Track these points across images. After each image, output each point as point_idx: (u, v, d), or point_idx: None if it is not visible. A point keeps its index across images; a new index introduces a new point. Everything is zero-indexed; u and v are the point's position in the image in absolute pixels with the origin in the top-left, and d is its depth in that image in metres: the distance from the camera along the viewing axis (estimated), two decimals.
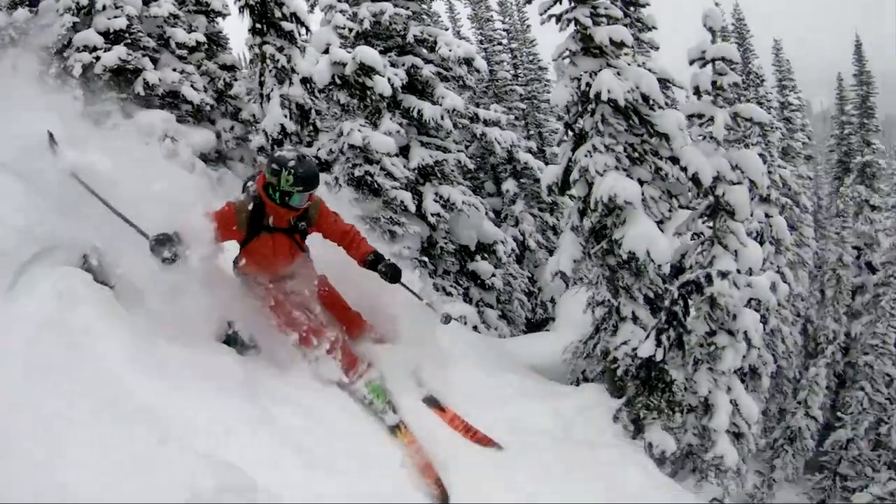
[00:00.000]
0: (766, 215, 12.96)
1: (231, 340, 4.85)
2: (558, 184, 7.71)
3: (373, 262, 5.08)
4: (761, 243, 12.85)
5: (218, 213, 4.56)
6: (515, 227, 13.97)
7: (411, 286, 5.53)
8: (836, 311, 17.72)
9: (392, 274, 5.08)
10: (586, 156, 7.06)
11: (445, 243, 11.27)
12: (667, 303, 6.92)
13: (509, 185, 14.27)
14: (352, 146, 9.92)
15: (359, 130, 9.86)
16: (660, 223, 7.68)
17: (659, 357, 6.66)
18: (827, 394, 18.17)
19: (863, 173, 21.90)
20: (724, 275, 6.80)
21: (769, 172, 13.97)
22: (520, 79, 18.06)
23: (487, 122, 12.81)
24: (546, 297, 13.44)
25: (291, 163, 4.49)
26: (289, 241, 4.93)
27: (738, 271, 7.39)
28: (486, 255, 11.93)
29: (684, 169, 7.01)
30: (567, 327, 10.02)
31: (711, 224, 7.37)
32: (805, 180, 20.34)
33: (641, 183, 7.18)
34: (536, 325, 13.30)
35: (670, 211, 7.86)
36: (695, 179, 6.97)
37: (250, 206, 4.68)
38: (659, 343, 6.65)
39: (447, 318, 5.69)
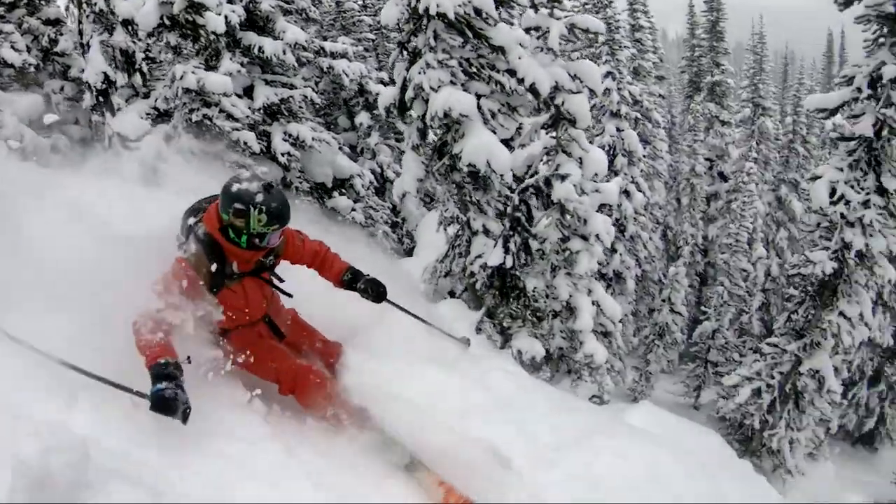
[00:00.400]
0: (618, 129, 13.42)
1: None
2: (396, 104, 7.57)
3: (350, 280, 4.47)
4: (614, 156, 13.33)
5: (175, 275, 3.63)
6: (373, 159, 13.70)
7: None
8: (693, 217, 18.86)
9: (375, 291, 4.49)
10: (420, 73, 6.95)
11: (300, 182, 10.99)
12: (509, 210, 7.04)
13: (362, 118, 13.95)
14: (187, 90, 9.37)
15: (192, 73, 9.30)
16: (510, 140, 7.79)
17: (509, 264, 6.80)
18: (691, 291, 19.51)
19: (713, 91, 23.03)
20: (562, 178, 6.96)
21: (619, 89, 14.43)
22: (368, 9, 17.62)
23: (335, 55, 12.41)
24: (411, 227, 13.36)
25: (259, 197, 3.63)
26: (258, 282, 4.11)
27: (596, 182, 7.69)
28: (343, 191, 11.76)
29: (521, 80, 7.04)
30: (428, 249, 10.00)
31: (555, 134, 7.55)
32: (657, 98, 21.13)
33: (479, 97, 7.15)
34: (406, 254, 13.32)
35: (519, 128, 7.95)
36: (533, 90, 7.02)
37: (210, 260, 3.75)
38: (507, 250, 6.78)
39: (467, 342, 5.21)
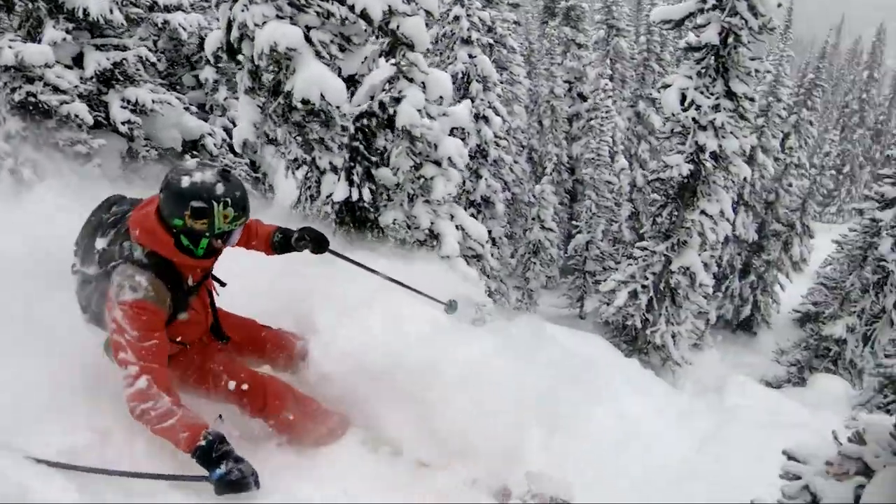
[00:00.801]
0: (470, 56, 13.37)
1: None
2: (224, 48, 7.18)
3: (282, 240, 3.72)
4: (468, 82, 13.31)
5: (144, 328, 2.92)
6: (223, 115, 12.98)
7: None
8: (556, 138, 19.32)
9: (314, 237, 3.78)
10: (243, 10, 6.58)
11: (148, 150, 10.36)
12: (346, 141, 6.88)
13: (207, 74, 13.15)
14: (6, 67, 8.53)
15: (9, 47, 8.46)
16: (353, 76, 7.56)
17: (355, 197, 6.69)
18: (562, 209, 20.22)
19: (567, 16, 23.28)
20: (396, 100, 6.85)
21: (468, 15, 14.29)
22: None
23: (169, 8, 11.61)
24: (273, 180, 12.97)
25: (220, 188, 2.89)
26: (205, 290, 3.40)
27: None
28: (195, 152, 11.16)
29: (352, 7, 6.83)
30: (285, 198, 9.75)
31: (394, 60, 7.39)
32: (511, 24, 21.18)
33: (309, 29, 6.90)
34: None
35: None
36: (364, 16, 6.78)
37: (168, 288, 3.04)
38: (351, 183, 6.64)
39: (453, 305, 4.68)
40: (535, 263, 17.74)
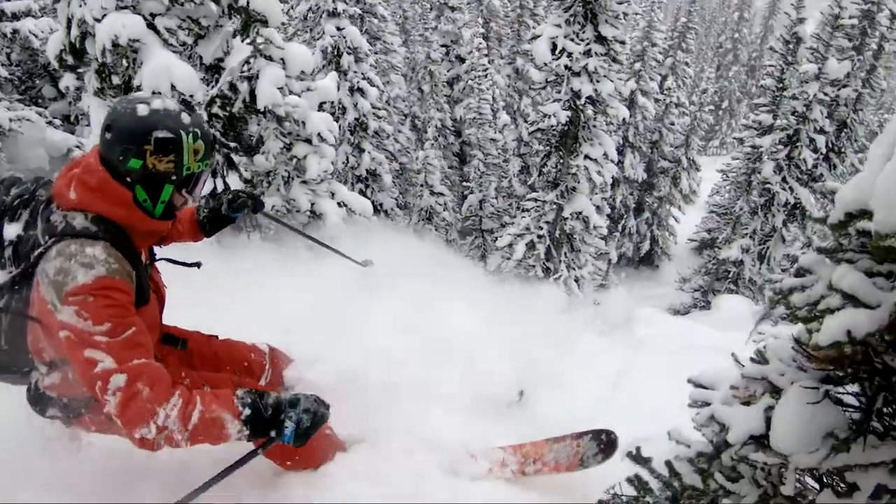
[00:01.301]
0: (338, 28, 12.95)
1: None
2: (67, 50, 6.64)
3: (211, 213, 3.05)
4: (339, 55, 12.91)
5: (120, 314, 2.12)
6: (90, 124, 12.22)
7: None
8: (437, 102, 19.17)
9: (248, 196, 3.21)
10: (81, 5, 6.13)
11: (11, 174, 9.48)
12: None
13: (68, 82, 12.32)
14: None
15: None
16: (217, 62, 7.08)
17: (221, 188, 6.34)
18: (452, 172, 20.25)
19: None
20: (249, 79, 6.51)
21: None
22: None
23: (17, 16, 10.70)
24: None
25: (185, 117, 2.25)
26: (157, 273, 2.74)
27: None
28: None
29: None
30: None
31: (249, 39, 6.98)
32: None
33: (154, 16, 6.43)
34: None
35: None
36: None
37: (129, 261, 2.26)
38: (214, 174, 6.29)
39: (367, 263, 4.93)
40: (430, 229, 17.66)
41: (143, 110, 2.17)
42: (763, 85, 19.07)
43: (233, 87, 6.53)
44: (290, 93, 7.13)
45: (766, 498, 2.18)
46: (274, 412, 2.26)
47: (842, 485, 1.94)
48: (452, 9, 21.34)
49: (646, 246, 24.65)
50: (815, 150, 17.26)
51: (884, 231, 1.30)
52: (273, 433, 2.27)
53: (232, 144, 6.52)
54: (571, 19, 11.92)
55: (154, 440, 2.07)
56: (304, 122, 7.13)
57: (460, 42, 21.17)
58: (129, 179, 2.22)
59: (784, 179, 17.81)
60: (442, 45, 20.97)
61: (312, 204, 7.53)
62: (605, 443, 3.17)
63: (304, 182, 7.45)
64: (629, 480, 2.36)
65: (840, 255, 1.87)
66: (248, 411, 2.22)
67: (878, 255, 1.50)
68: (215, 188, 6.38)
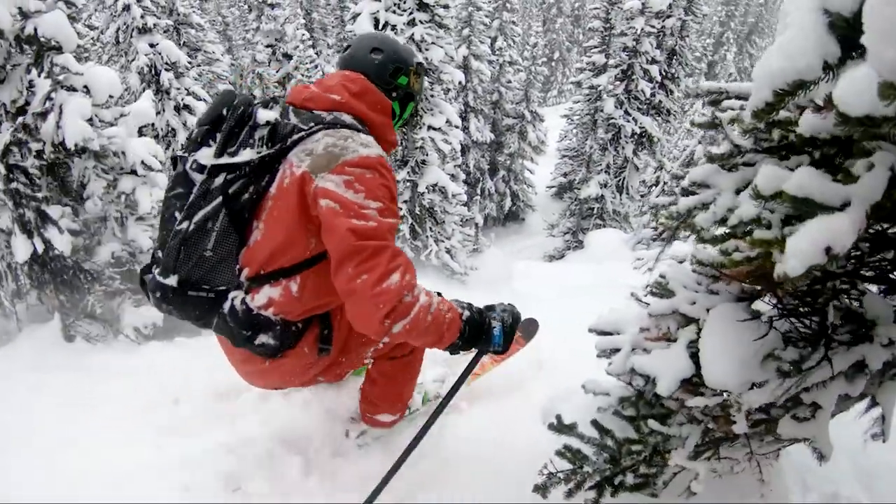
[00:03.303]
0: (152, 45, 11.95)
1: None
2: None
3: None
4: (157, 73, 11.99)
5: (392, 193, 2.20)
6: None
7: None
8: None
9: None
10: None
11: None
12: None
13: None
14: None
15: None
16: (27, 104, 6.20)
17: (41, 248, 5.63)
18: None
19: None
20: (42, 115, 5.77)
21: (139, 1, 12.76)
22: None
23: None
24: None
25: (405, 51, 2.59)
26: None
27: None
28: None
29: None
30: None
31: (45, 70, 6.17)
32: (194, 1, 19.71)
33: None
34: None
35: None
36: None
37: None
38: (30, 234, 5.59)
39: None
40: None
41: (391, 36, 2.61)
42: (591, 28, 19.59)
43: (26, 128, 5.73)
44: (103, 122, 6.40)
45: (709, 431, 1.97)
46: (481, 314, 2.37)
47: (798, 412, 1.74)
48: (272, 6, 20.57)
49: (508, 203, 25.28)
50: (651, 80, 17.94)
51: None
52: (483, 340, 2.35)
53: (40, 195, 5.73)
54: None
55: (389, 326, 2.01)
56: (123, 153, 6.42)
57: (285, 38, 20.47)
58: (393, 94, 2.54)
59: (626, 112, 18.44)
60: (267, 46, 20.21)
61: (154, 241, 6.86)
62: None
63: (141, 219, 6.74)
64: (560, 454, 2.11)
65: (756, 154, 1.63)
66: (467, 313, 2.30)
67: (854, 132, 1.07)
68: (35, 249, 5.61)
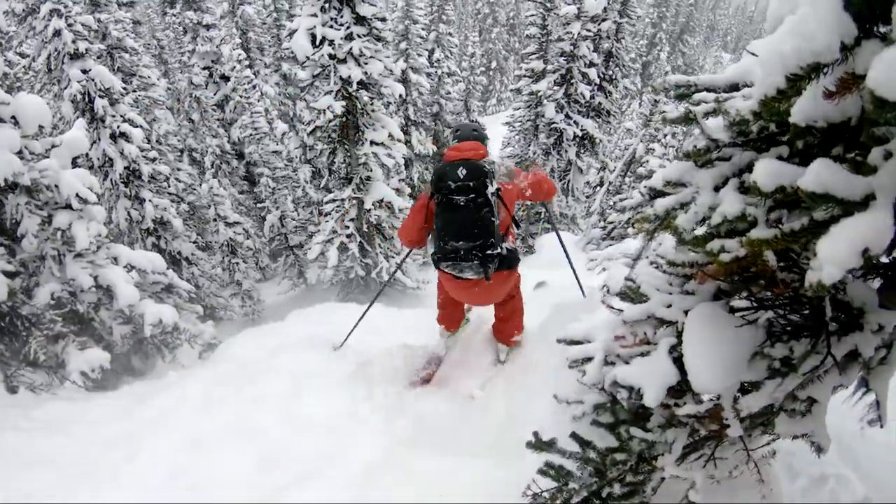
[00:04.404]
0: (84, 71, 11.51)
1: None
2: None
3: None
4: (91, 101, 11.61)
5: None
6: None
7: None
8: (211, 128, 18.13)
9: None
10: None
11: None
12: None
13: None
14: None
15: None
16: None
17: None
18: (248, 196, 19.42)
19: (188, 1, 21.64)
20: None
21: (69, 25, 12.28)
22: None
23: None
24: None
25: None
26: None
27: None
28: None
29: None
30: None
31: None
32: (128, 24, 19.14)
33: None
34: None
35: None
36: None
37: None
38: None
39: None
40: (237, 263, 16.64)
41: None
42: (529, 34, 19.72)
43: None
44: (34, 154, 6.12)
45: (694, 432, 1.90)
46: None
47: (794, 407, 1.69)
48: (207, 27, 20.21)
49: None
50: (590, 83, 18.11)
51: None
52: None
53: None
54: (327, 5, 11.44)
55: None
56: (57, 186, 6.15)
57: (221, 60, 20.11)
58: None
59: (567, 116, 18.58)
60: (204, 68, 19.84)
61: (96, 278, 6.57)
62: None
63: (79, 255, 6.46)
64: (542, 472, 2.05)
65: (734, 147, 1.56)
66: None
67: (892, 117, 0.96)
68: None
